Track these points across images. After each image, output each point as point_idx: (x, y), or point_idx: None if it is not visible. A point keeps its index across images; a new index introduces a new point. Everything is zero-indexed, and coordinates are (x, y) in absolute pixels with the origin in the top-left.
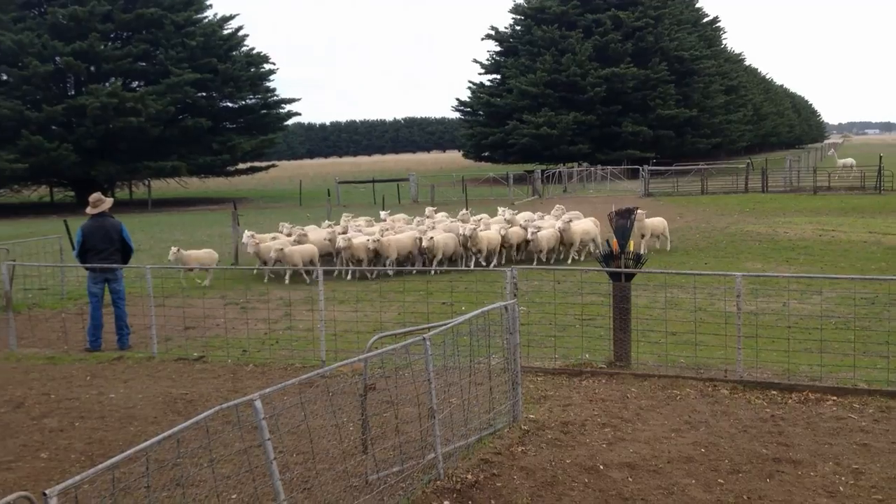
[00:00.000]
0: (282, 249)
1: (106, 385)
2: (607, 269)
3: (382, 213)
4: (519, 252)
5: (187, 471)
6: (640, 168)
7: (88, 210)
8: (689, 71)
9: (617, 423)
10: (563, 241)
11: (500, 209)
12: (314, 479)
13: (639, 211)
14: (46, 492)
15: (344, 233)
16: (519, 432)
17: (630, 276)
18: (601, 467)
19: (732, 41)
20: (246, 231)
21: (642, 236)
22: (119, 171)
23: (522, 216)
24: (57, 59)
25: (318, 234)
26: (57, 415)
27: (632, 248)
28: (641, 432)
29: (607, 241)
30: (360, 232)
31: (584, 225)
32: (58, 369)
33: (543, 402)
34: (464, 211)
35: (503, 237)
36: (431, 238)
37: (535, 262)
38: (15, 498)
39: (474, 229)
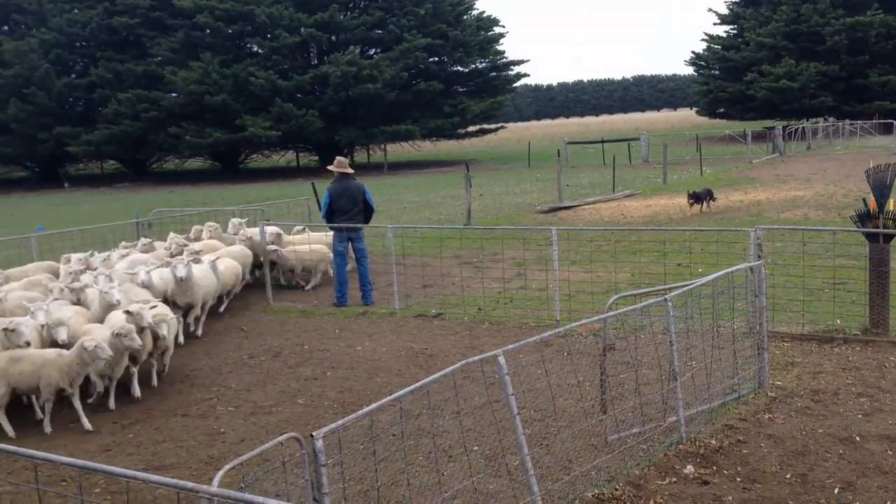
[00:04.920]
0: None
1: (353, 338)
2: (864, 229)
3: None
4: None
5: (433, 422)
6: (894, 122)
7: (331, 168)
8: None
9: (874, 394)
10: None
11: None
12: (554, 436)
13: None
14: (314, 433)
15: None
16: (765, 399)
17: (889, 238)
18: (857, 438)
19: None
20: None
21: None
22: (359, 136)
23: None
24: (302, 30)
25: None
26: (311, 364)
27: (892, 208)
28: None
29: (864, 199)
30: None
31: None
32: (309, 322)
33: (791, 369)
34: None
35: None
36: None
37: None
38: (286, 438)
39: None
